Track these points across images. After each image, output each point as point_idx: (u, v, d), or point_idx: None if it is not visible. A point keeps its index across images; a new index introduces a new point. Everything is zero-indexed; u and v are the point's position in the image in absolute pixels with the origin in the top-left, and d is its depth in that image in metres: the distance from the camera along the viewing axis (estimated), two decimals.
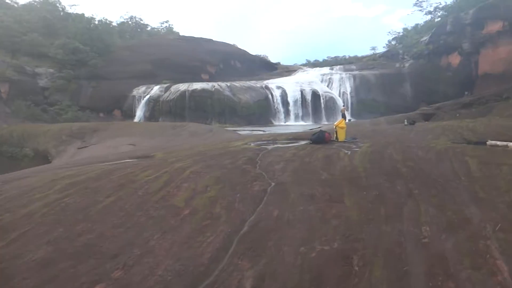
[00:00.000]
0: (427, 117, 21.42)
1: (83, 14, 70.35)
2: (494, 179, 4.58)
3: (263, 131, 27.14)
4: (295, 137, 10.48)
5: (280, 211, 3.94)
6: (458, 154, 6.21)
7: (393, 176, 4.97)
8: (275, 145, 8.61)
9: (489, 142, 8.56)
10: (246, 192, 4.57)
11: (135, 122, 39.72)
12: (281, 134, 12.16)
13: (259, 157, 6.43)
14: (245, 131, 28.26)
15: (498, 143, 8.20)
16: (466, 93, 48.29)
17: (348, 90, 54.37)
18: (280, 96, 52.81)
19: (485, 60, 48.57)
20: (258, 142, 9.22)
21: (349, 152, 6.67)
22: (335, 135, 8.90)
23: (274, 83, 56.06)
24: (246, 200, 4.30)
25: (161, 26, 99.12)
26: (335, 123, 9.15)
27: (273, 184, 4.79)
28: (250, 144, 8.67)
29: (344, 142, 8.60)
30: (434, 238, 3.18)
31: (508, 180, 4.52)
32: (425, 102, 48.24)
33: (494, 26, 47.45)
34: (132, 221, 3.68)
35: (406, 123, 14.35)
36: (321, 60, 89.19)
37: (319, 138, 8.37)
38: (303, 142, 8.89)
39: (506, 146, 7.76)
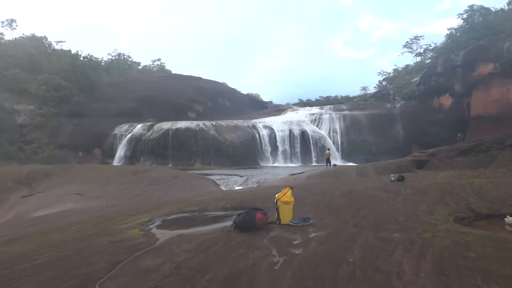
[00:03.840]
0: (420, 165, 18.95)
1: (69, 51, 68.97)
2: None
3: (240, 175, 24.45)
4: (236, 204, 7.62)
5: None
6: (472, 269, 3.52)
7: None
8: (181, 230, 5.75)
9: (509, 220, 6.00)
10: None
11: (95, 166, 36.34)
12: (223, 199, 8.48)
13: (111, 273, 3.60)
14: (220, 175, 25.52)
15: None
16: (459, 134, 46.55)
17: (338, 130, 52.25)
18: (267, 136, 50.39)
19: (477, 102, 47.22)
20: (171, 217, 6.40)
21: (281, 261, 3.83)
22: (276, 214, 5.71)
23: (262, 123, 53.83)
24: None
25: (153, 64, 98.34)
26: (277, 195, 5.79)
27: None
28: (151, 224, 5.82)
29: (288, 225, 5.53)
30: None
31: None
32: (417, 144, 46.40)
33: (486, 68, 46.50)
34: None
35: (393, 178, 11.70)
36: (313, 99, 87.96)
37: (245, 223, 5.19)
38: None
39: None
